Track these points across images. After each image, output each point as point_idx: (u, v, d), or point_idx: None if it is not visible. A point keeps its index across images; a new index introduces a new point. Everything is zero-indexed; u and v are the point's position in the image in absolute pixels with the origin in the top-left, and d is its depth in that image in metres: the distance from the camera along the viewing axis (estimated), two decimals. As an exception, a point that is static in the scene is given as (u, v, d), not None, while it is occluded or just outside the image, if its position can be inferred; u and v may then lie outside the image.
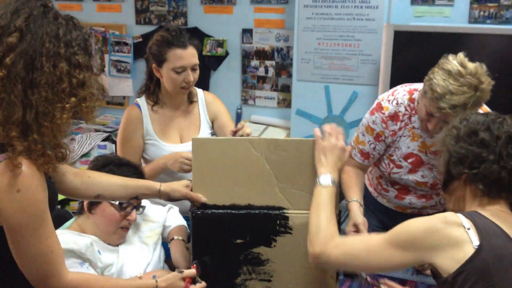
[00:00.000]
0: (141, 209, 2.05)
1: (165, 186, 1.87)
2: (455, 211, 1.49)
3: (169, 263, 2.14)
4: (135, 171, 2.05)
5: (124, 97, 4.68)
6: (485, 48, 3.13)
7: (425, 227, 1.43)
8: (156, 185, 1.87)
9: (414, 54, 3.26)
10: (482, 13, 3.41)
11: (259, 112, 4.24)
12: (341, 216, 2.02)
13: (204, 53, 4.23)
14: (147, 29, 4.40)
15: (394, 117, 2.13)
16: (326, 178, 1.70)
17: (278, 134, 4.05)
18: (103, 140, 4.28)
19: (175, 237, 2.17)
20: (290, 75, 4.02)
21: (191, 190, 1.86)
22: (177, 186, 1.88)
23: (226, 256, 1.85)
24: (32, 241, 1.36)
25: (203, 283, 1.76)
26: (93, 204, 1.95)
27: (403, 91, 2.15)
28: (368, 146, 2.19)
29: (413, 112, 2.11)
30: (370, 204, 2.44)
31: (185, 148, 2.41)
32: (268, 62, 4.16)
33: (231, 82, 4.30)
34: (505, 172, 1.46)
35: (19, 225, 1.33)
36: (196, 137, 2.31)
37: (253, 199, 1.84)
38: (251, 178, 1.84)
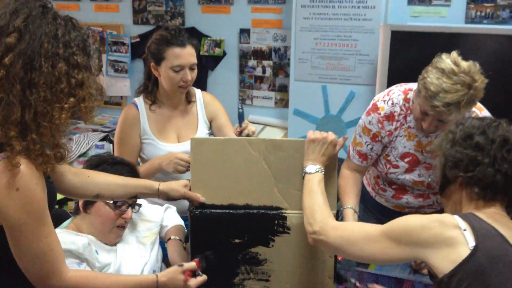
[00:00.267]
0: (137, 207, 2.06)
1: (163, 186, 1.87)
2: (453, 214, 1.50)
3: (167, 263, 2.15)
4: (129, 169, 2.05)
5: (121, 97, 4.68)
6: (482, 48, 3.15)
7: (422, 223, 1.45)
8: (155, 184, 1.88)
9: (411, 54, 3.27)
10: (478, 13, 3.42)
11: (257, 112, 4.25)
12: (338, 216, 2.02)
13: (201, 53, 4.23)
14: (145, 29, 4.40)
15: (389, 117, 2.14)
16: (311, 167, 1.77)
17: (276, 134, 4.06)
18: (101, 140, 4.27)
19: (172, 237, 2.17)
20: (287, 75, 4.03)
21: (190, 190, 1.87)
22: (176, 185, 1.88)
23: (224, 255, 1.86)
24: (31, 239, 1.36)
25: (204, 277, 1.75)
26: (88, 204, 1.96)
27: (398, 91, 2.16)
28: (365, 147, 2.20)
29: (408, 111, 2.12)
30: (368, 203, 2.45)
31: (182, 148, 2.42)
32: (265, 62, 4.17)
33: (229, 82, 4.31)
34: (500, 175, 1.47)
35: (18, 224, 1.34)
36: (194, 137, 2.32)
37: (251, 199, 1.85)
38: (249, 178, 1.85)
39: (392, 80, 3.13)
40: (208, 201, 1.85)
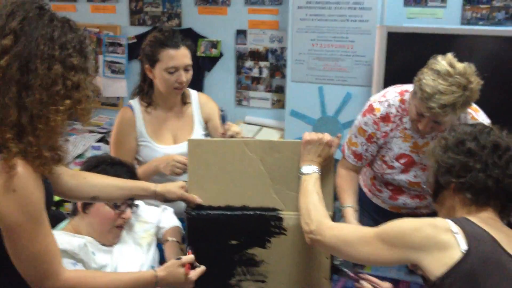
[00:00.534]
0: (134, 208, 2.06)
1: (160, 187, 1.87)
2: None
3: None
4: (128, 170, 2.06)
5: (118, 98, 4.67)
6: (478, 49, 3.15)
7: (415, 226, 1.46)
8: (151, 186, 1.88)
9: (407, 55, 3.27)
10: (474, 14, 3.43)
11: (253, 113, 4.25)
12: (335, 217, 2.03)
13: (198, 54, 4.23)
14: (141, 30, 4.39)
15: (385, 118, 2.14)
16: (307, 168, 1.79)
17: (272, 135, 4.06)
18: (97, 141, 4.27)
19: (169, 239, 2.17)
20: (284, 76, 4.03)
21: (186, 191, 1.87)
22: (173, 187, 1.88)
23: (221, 257, 1.86)
24: (28, 241, 1.36)
25: (202, 267, 1.73)
26: (88, 204, 1.96)
27: (394, 93, 2.17)
28: (360, 148, 2.21)
29: (404, 113, 2.12)
30: (365, 204, 2.46)
31: (179, 149, 2.41)
32: (262, 63, 4.17)
33: (225, 83, 4.31)
34: (491, 181, 1.48)
35: (15, 225, 1.34)
36: (191, 138, 2.32)
37: (248, 200, 1.86)
38: (246, 180, 1.85)
39: (389, 81, 3.14)
40: (205, 203, 1.86)
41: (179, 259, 1.70)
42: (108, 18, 4.55)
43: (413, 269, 2.08)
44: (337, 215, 2.15)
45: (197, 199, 1.85)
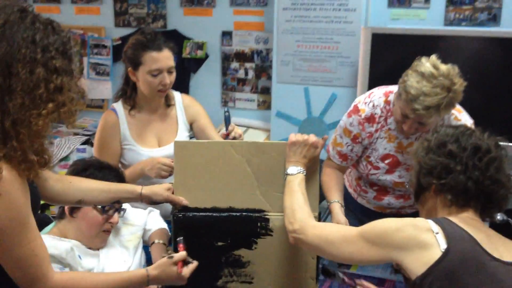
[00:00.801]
0: (122, 212, 2.05)
1: (146, 190, 1.87)
2: None
3: (151, 267, 2.14)
4: (116, 174, 2.05)
5: (103, 100, 4.65)
6: (461, 50, 3.19)
7: (396, 226, 1.47)
8: (137, 188, 1.87)
9: (391, 56, 3.30)
10: (457, 15, 3.47)
11: (239, 114, 4.25)
12: (321, 217, 2.04)
13: (183, 55, 4.22)
14: (126, 31, 4.37)
15: (370, 119, 2.16)
16: (293, 168, 1.80)
17: (258, 136, 4.06)
18: (82, 143, 4.24)
19: (156, 241, 2.17)
20: (269, 77, 4.04)
21: (173, 193, 1.87)
22: (159, 189, 1.88)
23: (208, 258, 1.86)
24: (13, 245, 1.35)
25: (195, 263, 1.71)
26: (75, 208, 1.95)
27: (379, 94, 2.19)
28: (345, 148, 2.22)
29: (389, 114, 2.14)
30: (350, 205, 2.47)
31: (163, 152, 2.40)
32: (248, 65, 4.18)
33: (211, 84, 4.30)
34: (471, 183, 1.50)
35: (1, 229, 1.33)
36: (177, 140, 2.32)
37: (234, 201, 1.86)
38: (232, 181, 1.86)
39: (374, 81, 3.16)
40: (191, 204, 1.86)
41: (171, 257, 1.67)
42: (93, 19, 4.53)
43: (397, 268, 2.09)
44: (322, 216, 2.17)
45: (183, 201, 1.85)
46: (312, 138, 1.82)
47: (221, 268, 1.88)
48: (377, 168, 2.22)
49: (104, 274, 1.78)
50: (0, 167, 1.28)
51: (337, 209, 2.14)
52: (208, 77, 4.31)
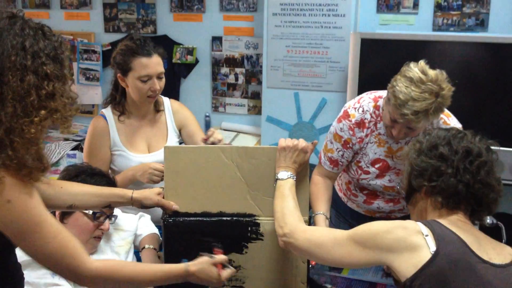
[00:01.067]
0: (113, 219, 2.05)
1: (137, 194, 1.87)
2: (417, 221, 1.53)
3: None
4: (108, 181, 2.04)
5: (93, 106, 4.64)
6: (449, 55, 3.22)
7: (386, 228, 1.48)
8: (128, 192, 1.87)
9: (380, 61, 3.33)
10: (445, 21, 3.50)
11: (230, 119, 4.26)
12: (311, 221, 2.05)
13: (174, 60, 4.23)
14: (116, 37, 4.37)
15: (360, 124, 2.17)
16: (284, 173, 1.81)
17: (249, 141, 4.07)
18: (73, 149, 4.23)
19: (146, 246, 2.16)
20: (260, 82, 4.05)
21: (163, 198, 1.87)
22: (149, 193, 1.88)
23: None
24: (40, 244, 1.37)
25: (233, 269, 1.73)
26: (66, 214, 1.94)
27: (368, 99, 2.20)
28: (336, 154, 2.23)
29: (379, 119, 2.15)
30: (340, 209, 2.48)
31: (153, 158, 2.40)
32: (238, 70, 4.19)
33: (202, 89, 4.31)
34: (462, 185, 1.50)
35: (20, 232, 1.34)
36: (167, 145, 2.31)
37: (225, 206, 1.86)
38: (223, 186, 1.86)
39: (363, 86, 3.18)
40: (181, 209, 1.86)
41: (212, 257, 1.69)
42: (82, 25, 4.53)
43: (388, 272, 2.11)
44: (312, 220, 2.17)
45: (174, 205, 1.85)
46: (302, 143, 1.83)
47: (212, 273, 1.88)
48: (368, 172, 2.23)
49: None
50: (2, 175, 1.28)
51: (321, 221, 2.14)
52: (198, 82, 4.31)
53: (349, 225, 2.45)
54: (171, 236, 1.86)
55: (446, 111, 2.10)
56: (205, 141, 2.24)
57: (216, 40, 4.19)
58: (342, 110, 2.23)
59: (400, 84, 1.90)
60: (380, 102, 2.14)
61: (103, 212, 1.96)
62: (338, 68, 3.64)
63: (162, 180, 2.20)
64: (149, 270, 1.60)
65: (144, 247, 2.17)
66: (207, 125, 2.34)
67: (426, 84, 1.87)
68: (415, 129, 1.98)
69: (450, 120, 2.14)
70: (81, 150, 4.17)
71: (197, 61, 4.26)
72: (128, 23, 4.40)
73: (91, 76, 4.53)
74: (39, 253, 1.39)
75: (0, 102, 1.27)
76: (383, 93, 2.10)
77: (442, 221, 1.49)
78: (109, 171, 2.45)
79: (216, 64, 4.24)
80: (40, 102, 1.31)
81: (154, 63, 2.32)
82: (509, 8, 3.38)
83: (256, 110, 4.18)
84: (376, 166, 2.21)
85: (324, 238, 1.60)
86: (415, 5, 3.54)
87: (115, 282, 1.52)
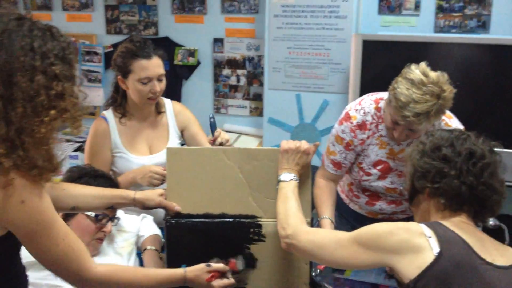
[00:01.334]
0: (116, 221, 2.05)
1: (139, 195, 1.87)
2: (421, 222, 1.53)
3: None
4: (111, 183, 2.05)
5: (95, 107, 4.65)
6: (451, 57, 3.22)
7: (389, 230, 1.48)
8: (131, 193, 1.88)
9: (382, 62, 3.33)
10: (447, 22, 3.50)
11: (232, 121, 4.27)
12: (313, 224, 2.05)
13: (175, 62, 4.24)
14: (118, 38, 4.38)
15: (362, 126, 2.17)
16: (286, 175, 1.81)
17: (251, 142, 4.07)
18: (75, 150, 4.23)
19: (148, 247, 2.17)
20: (261, 84, 4.05)
21: (165, 199, 1.87)
22: (152, 194, 1.89)
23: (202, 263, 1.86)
24: (49, 245, 1.37)
25: (232, 280, 1.73)
26: (68, 216, 1.94)
27: (369, 100, 2.20)
28: (339, 156, 2.23)
29: (380, 120, 2.16)
30: (342, 210, 2.48)
31: (154, 160, 2.40)
32: (239, 71, 4.19)
33: (203, 91, 4.32)
34: (465, 187, 1.50)
35: (31, 233, 1.35)
36: (169, 146, 2.31)
37: (227, 208, 1.86)
38: (225, 187, 1.86)
39: (365, 88, 3.18)
40: (183, 210, 1.86)
41: (209, 265, 1.70)
42: (84, 27, 4.53)
43: (391, 273, 2.11)
44: (314, 222, 2.17)
45: (176, 206, 1.85)
46: (304, 145, 1.83)
47: (214, 274, 1.88)
48: (369, 174, 2.23)
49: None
50: (12, 177, 1.28)
51: (327, 226, 2.14)
52: (200, 84, 4.32)
53: (351, 227, 2.45)
54: (173, 237, 1.86)
55: (448, 112, 2.10)
56: (213, 142, 2.24)
57: (218, 41, 4.19)
58: (344, 112, 2.23)
59: (401, 86, 1.90)
60: (382, 104, 2.14)
61: (105, 214, 1.97)
62: (340, 70, 3.64)
63: (162, 183, 2.21)
64: (150, 274, 1.63)
65: (146, 248, 2.17)
66: (212, 127, 2.33)
67: (427, 86, 1.87)
68: (417, 131, 1.98)
69: (451, 121, 2.14)
70: (83, 151, 4.17)
71: (198, 63, 4.27)
72: (129, 25, 4.40)
73: (93, 78, 4.53)
74: (47, 255, 1.40)
75: (10, 103, 1.27)
76: (384, 94, 2.10)
77: (445, 223, 1.49)
78: (110, 173, 2.45)
79: (217, 65, 4.24)
80: (49, 102, 1.32)
81: (154, 65, 2.32)
82: (511, 9, 3.37)
83: (258, 111, 4.18)
84: (378, 167, 2.21)
85: (327, 239, 1.60)
86: (417, 6, 3.54)
87: (117, 287, 1.53)
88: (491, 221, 1.85)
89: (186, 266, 1.68)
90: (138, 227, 2.23)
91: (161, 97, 2.47)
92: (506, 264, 1.45)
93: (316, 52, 3.67)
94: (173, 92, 4.19)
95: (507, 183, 1.59)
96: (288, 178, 1.80)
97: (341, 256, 1.54)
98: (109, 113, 2.45)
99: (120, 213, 2.15)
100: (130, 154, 2.42)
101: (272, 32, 3.74)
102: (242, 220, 1.86)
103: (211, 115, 2.35)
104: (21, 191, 1.30)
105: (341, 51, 3.60)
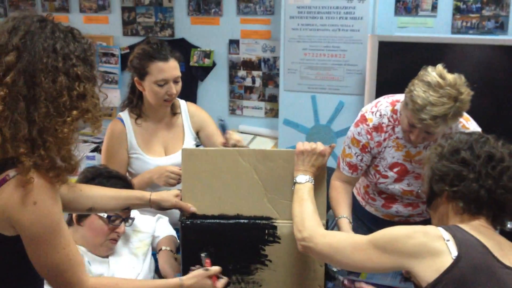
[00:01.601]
0: (130, 221, 2.06)
1: (155, 195, 1.89)
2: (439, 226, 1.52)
3: (159, 274, 2.15)
4: (124, 183, 2.06)
5: (112, 108, 4.68)
6: (468, 58, 3.19)
7: (407, 233, 1.47)
8: (146, 194, 1.89)
9: (398, 64, 3.31)
10: (464, 23, 3.47)
11: (247, 122, 4.27)
12: (329, 225, 2.04)
13: (191, 64, 4.25)
14: (134, 40, 4.41)
15: (378, 128, 2.16)
16: (302, 177, 1.81)
17: (266, 143, 4.07)
18: (92, 151, 4.27)
19: (163, 248, 2.18)
20: (277, 85, 4.05)
21: (181, 200, 1.88)
22: (167, 195, 1.90)
23: (215, 265, 1.86)
24: (48, 251, 1.38)
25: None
26: (82, 216, 1.96)
27: (385, 103, 2.19)
28: (355, 158, 2.22)
29: (396, 123, 2.14)
30: (358, 212, 2.47)
31: (170, 161, 2.41)
32: (255, 73, 4.19)
33: (219, 92, 4.33)
34: (484, 191, 1.49)
35: (36, 236, 1.35)
36: (184, 147, 2.32)
37: (242, 209, 1.87)
38: (240, 188, 1.86)
39: (381, 89, 3.17)
40: (199, 211, 1.87)
41: (207, 269, 1.72)
42: (101, 28, 4.57)
43: (407, 276, 2.09)
44: (330, 224, 2.17)
45: (191, 207, 1.86)
46: (320, 146, 1.83)
47: (229, 275, 1.88)
48: (386, 177, 2.22)
49: (138, 281, 1.81)
50: (32, 176, 1.30)
51: (345, 225, 2.13)
52: (215, 85, 4.33)
53: (367, 229, 2.44)
54: (188, 238, 1.87)
55: (465, 115, 2.08)
56: (225, 144, 2.25)
57: (233, 43, 4.20)
58: (359, 115, 2.22)
59: (417, 89, 1.88)
60: (398, 106, 2.13)
61: (118, 215, 1.98)
62: (356, 71, 3.63)
63: (178, 183, 2.22)
64: (143, 286, 1.63)
65: (161, 249, 2.18)
66: (223, 129, 2.34)
67: (444, 89, 1.85)
68: (434, 134, 1.96)
69: (469, 124, 2.12)
70: (100, 152, 4.21)
71: (214, 64, 4.28)
72: (146, 27, 4.43)
73: (109, 79, 4.57)
74: (44, 261, 1.39)
75: (33, 103, 1.30)
76: (401, 96, 2.09)
77: (464, 226, 1.48)
78: (127, 173, 2.47)
79: (233, 67, 4.25)
80: (72, 102, 1.34)
81: (171, 67, 2.33)
82: (530, 10, 3.34)
83: (273, 113, 4.18)
84: (395, 170, 2.19)
85: (343, 242, 1.59)
86: (434, 7, 3.51)
87: None
88: (509, 225, 1.83)
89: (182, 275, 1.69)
90: (153, 227, 2.24)
91: (176, 98, 2.49)
92: None
93: (332, 53, 3.66)
94: (189, 93, 4.20)
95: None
96: (304, 180, 1.80)
97: (358, 259, 1.54)
98: (125, 115, 2.47)
99: (135, 213, 2.17)
100: (146, 155, 2.43)
101: (288, 33, 3.74)
102: (257, 221, 1.86)
103: (221, 119, 2.35)
104: (37, 192, 1.31)
105: (357, 53, 3.58)
